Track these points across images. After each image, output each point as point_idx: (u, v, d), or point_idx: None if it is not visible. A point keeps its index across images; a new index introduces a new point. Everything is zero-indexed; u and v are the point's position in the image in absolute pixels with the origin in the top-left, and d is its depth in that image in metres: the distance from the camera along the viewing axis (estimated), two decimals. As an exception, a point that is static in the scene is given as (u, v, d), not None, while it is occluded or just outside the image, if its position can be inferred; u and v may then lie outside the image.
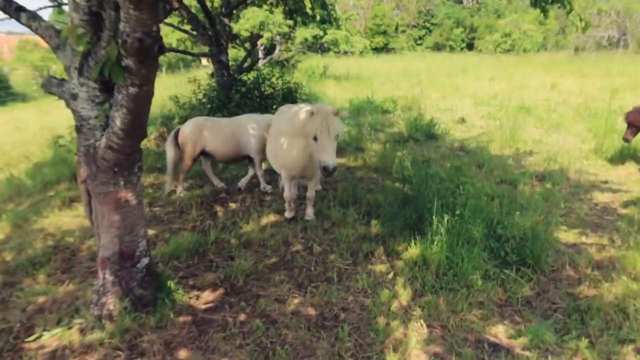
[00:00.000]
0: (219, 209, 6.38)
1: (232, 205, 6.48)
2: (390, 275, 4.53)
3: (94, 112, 3.30)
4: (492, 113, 14.35)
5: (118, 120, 3.01)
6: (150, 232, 5.63)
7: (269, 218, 5.94)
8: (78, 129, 3.38)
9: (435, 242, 4.68)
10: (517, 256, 4.91)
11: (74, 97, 3.28)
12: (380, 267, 4.68)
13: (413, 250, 4.83)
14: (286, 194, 5.79)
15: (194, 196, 6.65)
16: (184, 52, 10.65)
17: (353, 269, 4.68)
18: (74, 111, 3.35)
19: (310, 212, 5.85)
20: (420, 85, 20.49)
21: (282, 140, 5.44)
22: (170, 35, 22.60)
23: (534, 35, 49.99)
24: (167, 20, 11.97)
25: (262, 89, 9.67)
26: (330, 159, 4.61)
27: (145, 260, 3.77)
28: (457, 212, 4.95)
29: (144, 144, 9.09)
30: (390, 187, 6.86)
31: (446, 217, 4.88)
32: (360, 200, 6.29)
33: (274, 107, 9.03)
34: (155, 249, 5.11)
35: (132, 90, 2.81)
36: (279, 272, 4.63)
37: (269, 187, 7.09)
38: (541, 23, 51.59)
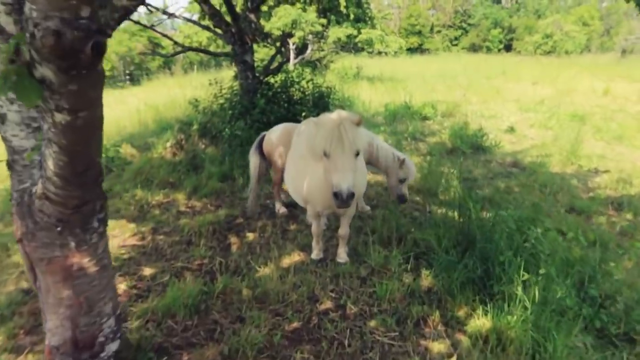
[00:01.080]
0: (233, 240, 5.23)
1: (250, 236, 5.32)
2: None
3: (30, 142, 2.17)
4: (542, 121, 12.85)
5: (50, 161, 1.87)
6: (148, 271, 4.53)
7: (292, 258, 4.74)
8: (9, 166, 2.25)
9: (516, 315, 3.39)
10: (618, 327, 3.63)
11: (2, 118, 2.16)
12: (437, 346, 3.42)
13: (481, 321, 3.56)
14: (313, 229, 4.59)
15: (206, 222, 5.53)
16: (203, 50, 9.50)
17: (401, 346, 3.42)
18: (3, 139, 2.23)
19: (343, 253, 4.63)
20: (461, 88, 18.98)
21: (303, 164, 4.24)
22: (200, 33, 21.73)
23: (577, 37, 47.11)
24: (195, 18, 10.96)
25: (290, 93, 8.49)
26: (344, 181, 3.36)
27: (112, 347, 2.64)
28: (542, 270, 3.65)
29: (158, 151, 8.08)
30: (440, 217, 5.57)
31: (528, 277, 3.60)
32: (405, 237, 5.02)
33: (303, 114, 7.85)
34: (147, 300, 3.99)
35: (60, 118, 1.65)
36: (301, 345, 3.42)
37: (368, 208, 6.09)
38: (585, 24, 48.79)
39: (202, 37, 21.97)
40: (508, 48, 56.74)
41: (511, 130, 11.65)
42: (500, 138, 10.46)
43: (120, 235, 5.32)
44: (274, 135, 5.44)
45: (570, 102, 16.25)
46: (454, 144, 9.91)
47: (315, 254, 4.68)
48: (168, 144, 8.33)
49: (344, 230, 4.51)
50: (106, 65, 25.75)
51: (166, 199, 6.48)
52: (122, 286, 4.21)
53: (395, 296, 3.97)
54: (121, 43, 27.28)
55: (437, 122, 12.60)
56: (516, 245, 3.95)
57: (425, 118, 12.95)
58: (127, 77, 26.37)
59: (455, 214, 5.85)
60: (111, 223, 5.52)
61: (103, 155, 7.92)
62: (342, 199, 3.38)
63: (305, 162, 4.16)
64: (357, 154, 3.57)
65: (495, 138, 10.16)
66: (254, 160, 5.65)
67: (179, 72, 25.47)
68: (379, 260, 4.51)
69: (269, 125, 7.71)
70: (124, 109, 15.32)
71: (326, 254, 4.80)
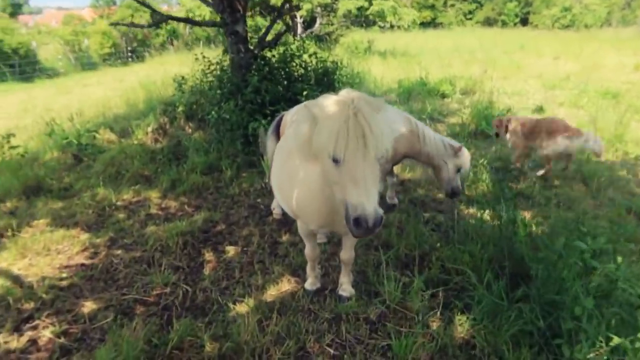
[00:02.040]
0: (208, 256, 4.03)
1: (230, 252, 4.11)
2: None
3: None
4: (571, 99, 11.37)
5: None
6: (89, 306, 3.35)
7: (280, 287, 3.53)
8: None
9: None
10: None
11: None
12: None
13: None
14: (307, 252, 3.36)
15: (177, 231, 4.32)
16: (185, 20, 8.09)
17: None
18: None
19: (346, 284, 3.38)
20: (481, 64, 17.38)
21: (292, 166, 2.97)
22: (203, 6, 20.21)
23: (597, 10, 44.30)
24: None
25: (290, 69, 7.16)
26: (369, 202, 2.07)
27: None
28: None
29: (139, 137, 6.90)
30: (472, 224, 4.31)
31: (618, 341, 2.35)
32: (430, 257, 3.77)
33: (305, 93, 6.53)
34: (74, 358, 2.82)
35: None
36: None
37: (395, 200, 5.09)
38: (605, -4, 45.97)
39: (205, 10, 20.49)
40: (524, 22, 53.87)
41: (540, 109, 10.21)
42: (529, 119, 9.06)
43: (68, 251, 4.15)
44: (291, 116, 4.08)
45: (599, 78, 14.66)
46: (477, 126, 8.56)
47: (310, 283, 3.45)
48: (149, 129, 7.11)
49: (347, 254, 3.27)
50: (107, 42, 24.43)
51: (136, 198, 5.29)
52: (46, 333, 3.05)
53: (419, 355, 2.75)
54: (123, 19, 25.86)
55: (456, 100, 11.20)
56: (596, 291, 2.67)
57: (443, 96, 11.53)
58: (130, 53, 25.01)
59: (487, 215, 4.65)
60: (59, 234, 4.37)
61: (75, 141, 6.75)
62: (367, 227, 2.09)
63: (295, 164, 2.89)
64: (382, 156, 2.27)
65: (524, 119, 8.76)
66: (270, 145, 4.30)
67: (182, 47, 24.03)
68: (396, 295, 3.27)
69: (263, 107, 6.43)
70: (119, 88, 14.14)
71: (324, 281, 3.58)
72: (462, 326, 2.97)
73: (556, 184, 6.13)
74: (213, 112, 6.38)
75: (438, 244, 3.96)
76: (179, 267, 3.87)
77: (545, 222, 4.76)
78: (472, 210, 5.02)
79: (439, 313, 3.09)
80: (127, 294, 3.51)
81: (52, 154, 6.54)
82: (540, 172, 6.19)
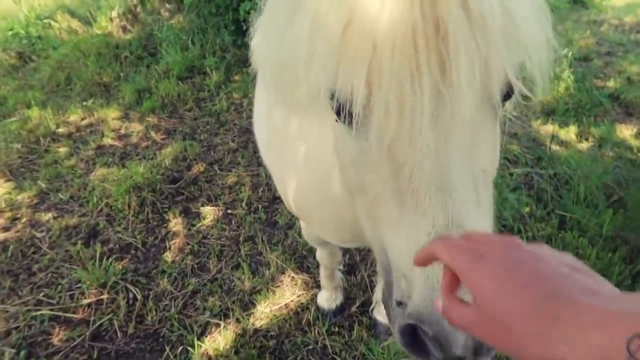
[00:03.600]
0: (173, 225, 2.60)
1: (206, 217, 2.65)
2: None
3: None
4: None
5: None
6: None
7: (276, 298, 2.12)
8: None
9: None
10: None
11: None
12: None
13: None
14: (320, 258, 1.87)
15: (134, 183, 2.85)
16: None
17: None
18: None
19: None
20: None
21: (277, 125, 1.25)
22: None
23: None
24: None
25: None
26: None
27: None
28: None
29: (102, 26, 5.17)
30: (566, 159, 2.73)
31: None
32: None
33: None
34: None
35: None
36: None
37: None
38: None
39: None
40: None
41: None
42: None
43: (-28, 218, 2.76)
44: None
45: None
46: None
47: (326, 297, 2.01)
48: (113, 14, 5.26)
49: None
50: None
51: (86, 120, 3.73)
52: None
53: None
54: None
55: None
56: None
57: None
58: None
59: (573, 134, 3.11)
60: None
61: (22, 32, 5.05)
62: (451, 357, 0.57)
63: (285, 124, 1.23)
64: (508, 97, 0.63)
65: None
66: None
67: None
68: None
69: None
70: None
71: (350, 285, 2.16)
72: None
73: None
74: (188, -11, 4.48)
75: (527, 209, 2.42)
76: (129, 246, 2.48)
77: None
78: (550, 127, 3.41)
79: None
80: (43, 301, 2.18)
81: (-11, 53, 4.88)
82: None
